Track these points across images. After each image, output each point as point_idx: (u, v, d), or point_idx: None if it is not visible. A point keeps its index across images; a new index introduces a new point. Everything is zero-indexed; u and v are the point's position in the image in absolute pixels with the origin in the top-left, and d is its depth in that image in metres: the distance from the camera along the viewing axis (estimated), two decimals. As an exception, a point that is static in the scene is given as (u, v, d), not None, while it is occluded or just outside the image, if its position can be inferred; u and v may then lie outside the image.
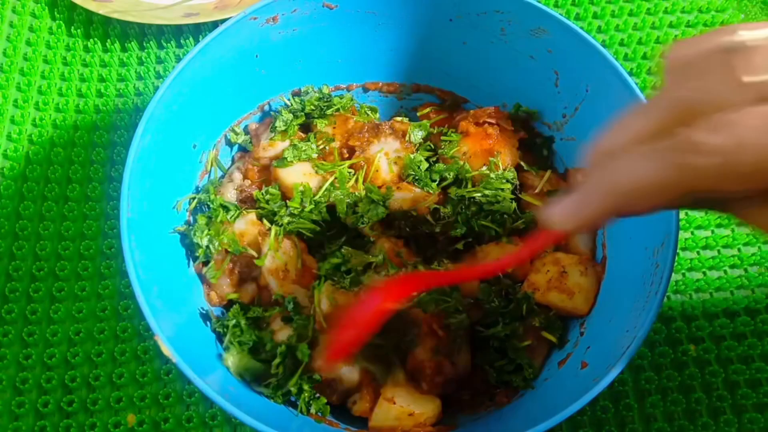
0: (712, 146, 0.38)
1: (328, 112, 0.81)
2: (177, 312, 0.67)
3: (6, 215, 0.86)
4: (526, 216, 0.75)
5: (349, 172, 0.78)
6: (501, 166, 0.77)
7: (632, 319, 0.60)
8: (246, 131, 0.83)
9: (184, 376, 0.57)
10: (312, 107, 0.81)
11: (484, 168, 0.77)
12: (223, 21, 0.72)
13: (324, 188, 0.75)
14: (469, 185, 0.76)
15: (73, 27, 1.00)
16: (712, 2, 1.02)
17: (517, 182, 0.77)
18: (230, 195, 0.78)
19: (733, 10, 1.02)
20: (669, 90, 0.41)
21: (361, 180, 0.77)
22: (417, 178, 0.78)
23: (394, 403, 0.65)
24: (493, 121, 0.80)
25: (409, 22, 0.77)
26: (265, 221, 0.75)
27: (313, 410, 0.68)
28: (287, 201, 0.75)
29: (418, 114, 0.85)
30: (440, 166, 0.78)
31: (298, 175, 0.76)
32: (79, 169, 0.90)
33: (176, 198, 0.74)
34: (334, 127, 0.82)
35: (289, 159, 0.76)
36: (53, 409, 0.76)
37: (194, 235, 0.73)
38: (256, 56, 0.76)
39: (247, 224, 0.75)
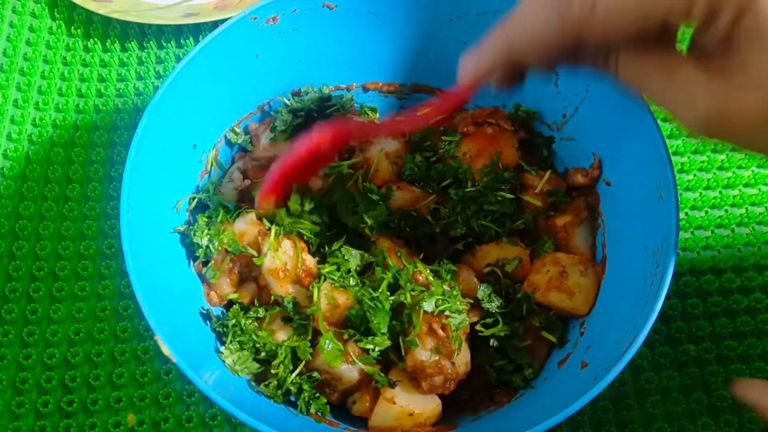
0: None
1: (328, 112, 0.81)
2: (177, 312, 0.67)
3: (6, 215, 0.86)
4: (526, 216, 0.75)
5: (350, 173, 0.78)
6: (501, 166, 0.77)
7: (632, 319, 0.60)
8: (246, 131, 0.83)
9: (184, 376, 0.58)
10: (312, 107, 0.81)
11: (484, 168, 0.77)
12: (223, 21, 0.72)
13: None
14: (469, 185, 0.76)
15: (73, 27, 1.00)
16: (712, 2, 1.02)
17: (517, 182, 0.77)
18: (230, 195, 0.78)
19: (733, 10, 1.02)
20: None
21: (361, 180, 0.77)
22: (417, 178, 0.78)
23: (394, 403, 0.65)
24: (492, 121, 0.80)
25: (409, 22, 0.77)
26: (264, 221, 0.75)
27: (312, 410, 0.68)
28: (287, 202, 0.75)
29: (418, 114, 0.85)
30: (440, 166, 0.78)
31: (298, 175, 0.76)
32: (79, 169, 0.90)
33: (176, 198, 0.74)
34: (334, 127, 0.82)
35: (289, 159, 0.76)
36: (53, 409, 0.76)
37: (194, 234, 0.73)
38: (256, 56, 0.76)
39: (247, 224, 0.75)
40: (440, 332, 0.66)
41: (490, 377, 0.70)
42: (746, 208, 0.88)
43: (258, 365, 0.69)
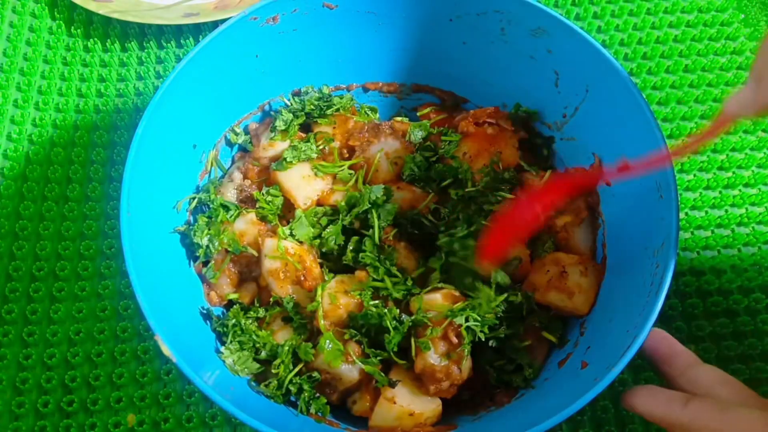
0: None
1: (328, 112, 0.81)
2: (177, 312, 0.67)
3: (6, 215, 0.86)
4: None
5: (350, 173, 0.78)
6: (501, 166, 0.77)
7: (632, 319, 0.60)
8: (246, 131, 0.83)
9: (184, 376, 0.58)
10: (312, 107, 0.81)
11: (484, 168, 0.77)
12: (223, 21, 0.72)
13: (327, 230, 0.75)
14: (469, 185, 0.76)
15: (73, 27, 1.00)
16: (712, 2, 1.02)
17: (517, 182, 0.77)
18: (230, 195, 0.78)
19: (733, 10, 1.02)
20: None
21: (361, 180, 0.77)
22: (417, 178, 0.78)
23: (395, 403, 0.65)
24: (493, 121, 0.80)
25: (409, 22, 0.77)
26: (270, 217, 0.75)
27: (313, 410, 0.68)
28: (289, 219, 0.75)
29: (418, 114, 0.85)
30: (440, 166, 0.78)
31: (298, 178, 0.76)
32: (79, 169, 0.90)
33: (176, 198, 0.74)
34: (334, 127, 0.82)
35: (288, 159, 0.76)
36: (53, 409, 0.76)
37: (194, 235, 0.73)
38: (256, 56, 0.76)
39: (247, 224, 0.75)
40: (454, 339, 0.66)
41: (490, 377, 0.70)
42: (746, 208, 0.88)
43: (258, 365, 0.69)
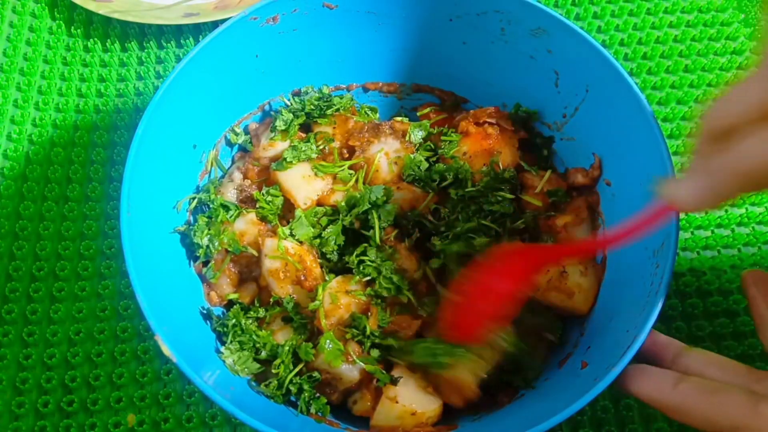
0: None
1: (328, 112, 0.81)
2: (177, 312, 0.67)
3: (6, 215, 0.86)
4: (526, 216, 0.75)
5: (350, 173, 0.78)
6: (501, 166, 0.77)
7: (632, 319, 0.60)
8: (246, 131, 0.83)
9: (184, 376, 0.58)
10: (312, 107, 0.81)
11: (484, 168, 0.77)
12: (223, 21, 0.72)
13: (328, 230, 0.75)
14: (469, 185, 0.76)
15: (73, 27, 1.00)
16: (712, 2, 1.02)
17: (517, 182, 0.77)
18: (230, 195, 0.78)
19: (733, 10, 1.02)
20: None
21: (361, 180, 0.77)
22: (417, 178, 0.78)
23: (397, 402, 0.65)
24: (493, 121, 0.80)
25: (409, 22, 0.77)
26: (270, 217, 0.75)
27: (313, 410, 0.68)
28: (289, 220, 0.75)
29: (418, 114, 0.85)
30: (440, 166, 0.78)
31: (298, 178, 0.76)
32: (79, 169, 0.90)
33: (176, 198, 0.74)
34: (334, 127, 0.82)
35: (288, 159, 0.76)
36: (53, 409, 0.76)
37: (194, 235, 0.73)
38: (256, 56, 0.76)
39: (247, 224, 0.75)
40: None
41: (491, 377, 0.70)
42: (746, 208, 0.88)
43: (258, 365, 0.69)
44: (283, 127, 0.79)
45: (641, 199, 0.66)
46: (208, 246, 0.73)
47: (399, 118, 0.84)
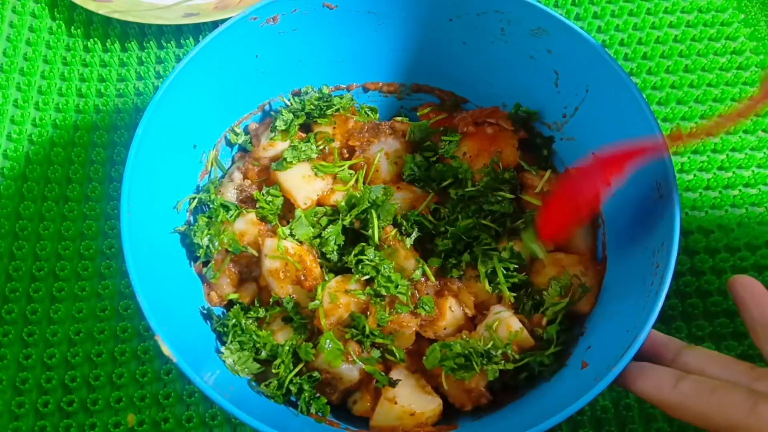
0: None
1: (328, 112, 0.81)
2: (177, 312, 0.67)
3: (6, 215, 0.86)
4: (526, 216, 0.75)
5: (350, 173, 0.78)
6: (501, 166, 0.77)
7: (632, 319, 0.60)
8: (246, 131, 0.83)
9: (184, 376, 0.58)
10: (312, 107, 0.81)
11: (484, 168, 0.77)
12: (223, 21, 0.72)
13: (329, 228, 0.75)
14: (469, 185, 0.76)
15: (73, 27, 1.00)
16: (712, 2, 1.02)
17: (517, 182, 0.77)
18: (230, 195, 0.78)
19: (733, 10, 1.02)
20: None
21: (361, 180, 0.77)
22: (417, 178, 0.78)
23: (396, 403, 0.65)
24: (493, 121, 0.80)
25: (409, 22, 0.77)
26: (270, 217, 0.75)
27: (313, 410, 0.68)
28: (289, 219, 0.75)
29: (418, 114, 0.85)
30: (440, 166, 0.78)
31: (298, 178, 0.76)
32: (79, 169, 0.90)
33: (176, 198, 0.74)
34: (334, 127, 0.82)
35: (288, 159, 0.76)
36: (53, 409, 0.76)
37: (194, 235, 0.73)
38: (256, 56, 0.76)
39: (247, 224, 0.75)
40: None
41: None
42: (746, 209, 0.88)
43: (258, 365, 0.69)
44: (283, 127, 0.79)
45: (641, 199, 0.67)
46: (208, 246, 0.73)
47: (399, 118, 0.84)
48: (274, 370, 0.69)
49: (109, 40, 0.99)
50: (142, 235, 0.64)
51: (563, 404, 0.56)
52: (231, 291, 0.74)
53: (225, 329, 0.71)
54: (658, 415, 0.75)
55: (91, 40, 0.99)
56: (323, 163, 0.78)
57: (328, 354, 0.67)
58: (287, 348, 0.69)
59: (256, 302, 0.74)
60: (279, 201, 0.76)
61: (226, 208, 0.76)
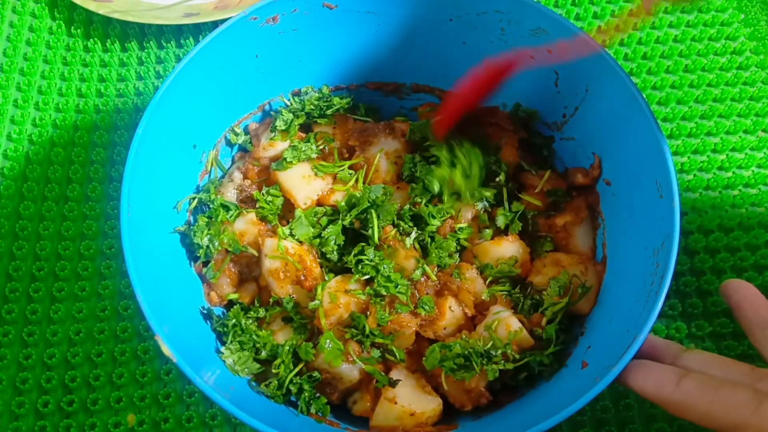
0: None
1: (328, 112, 0.81)
2: (177, 312, 0.67)
3: (6, 215, 0.86)
4: (525, 214, 0.75)
5: (350, 173, 0.78)
6: (501, 164, 0.77)
7: (632, 319, 0.60)
8: (246, 131, 0.83)
9: (184, 376, 0.58)
10: (312, 107, 0.81)
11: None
12: (223, 21, 0.72)
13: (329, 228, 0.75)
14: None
15: (73, 27, 1.00)
16: (712, 2, 1.02)
17: (507, 169, 0.78)
18: (230, 195, 0.78)
19: (733, 10, 1.02)
20: None
21: (361, 180, 0.77)
22: (417, 178, 0.78)
23: (396, 403, 0.65)
24: (493, 121, 0.80)
25: (409, 22, 0.77)
26: (270, 217, 0.75)
27: (313, 410, 0.68)
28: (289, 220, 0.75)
29: (418, 114, 0.85)
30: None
31: (298, 178, 0.76)
32: (79, 169, 0.90)
33: (176, 198, 0.74)
34: (334, 127, 0.82)
35: (288, 159, 0.76)
36: (53, 409, 0.76)
37: (194, 235, 0.73)
38: (256, 56, 0.76)
39: (247, 224, 0.75)
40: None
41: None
42: (746, 209, 0.88)
43: (258, 365, 0.69)
44: (283, 127, 0.79)
45: (641, 198, 0.67)
46: (208, 246, 0.73)
47: (399, 118, 0.84)
48: (274, 370, 0.69)
49: (109, 40, 0.99)
50: (142, 235, 0.64)
51: (563, 404, 0.56)
52: (231, 291, 0.74)
53: (225, 329, 0.71)
54: (659, 415, 0.75)
55: (91, 40, 0.99)
56: (323, 163, 0.78)
57: (328, 354, 0.67)
58: (287, 348, 0.69)
59: (256, 302, 0.74)
60: (279, 201, 0.76)
61: (226, 208, 0.76)
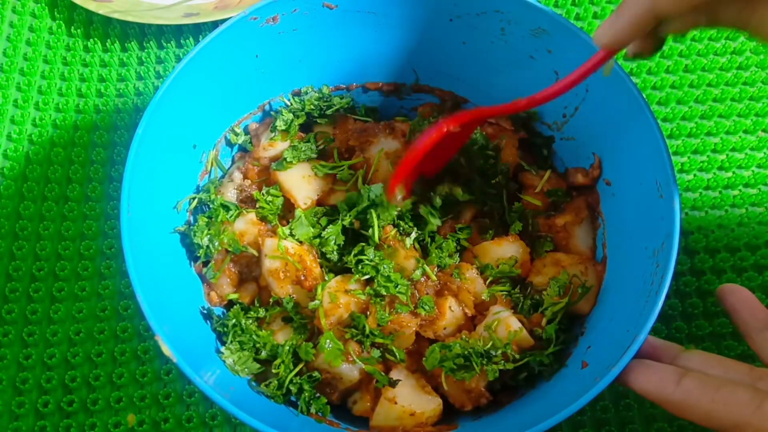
0: None
1: (328, 112, 0.81)
2: (177, 312, 0.67)
3: (6, 215, 0.86)
4: (525, 213, 0.75)
5: (350, 173, 0.78)
6: (500, 166, 0.77)
7: (632, 319, 0.60)
8: (246, 131, 0.83)
9: (184, 376, 0.58)
10: (312, 107, 0.81)
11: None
12: (223, 21, 0.72)
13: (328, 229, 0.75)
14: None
15: (73, 27, 1.00)
16: (711, 2, 1.02)
17: (506, 168, 0.78)
18: (230, 195, 0.78)
19: (733, 10, 1.02)
20: None
21: (361, 180, 0.77)
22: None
23: (396, 403, 0.65)
24: (493, 120, 0.80)
25: (409, 22, 0.77)
26: (270, 217, 0.75)
27: (313, 410, 0.68)
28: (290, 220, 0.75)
29: (418, 114, 0.85)
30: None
31: (298, 178, 0.76)
32: (79, 169, 0.90)
33: (176, 198, 0.74)
34: (334, 127, 0.82)
35: (288, 159, 0.76)
36: (53, 409, 0.76)
37: (194, 235, 0.73)
38: (256, 56, 0.76)
39: (247, 224, 0.75)
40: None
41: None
42: (746, 209, 0.88)
43: (258, 365, 0.69)
44: (283, 127, 0.79)
45: (641, 198, 0.67)
46: (208, 246, 0.73)
47: (399, 118, 0.84)
48: (274, 370, 0.69)
49: (109, 40, 0.99)
50: (142, 235, 0.64)
51: (563, 404, 0.56)
52: (231, 291, 0.74)
53: (225, 329, 0.71)
54: (659, 415, 0.75)
55: (91, 40, 0.99)
56: (323, 163, 0.78)
57: (328, 354, 0.67)
58: (287, 348, 0.69)
59: (256, 302, 0.74)
60: (279, 201, 0.76)
61: (226, 208, 0.76)
